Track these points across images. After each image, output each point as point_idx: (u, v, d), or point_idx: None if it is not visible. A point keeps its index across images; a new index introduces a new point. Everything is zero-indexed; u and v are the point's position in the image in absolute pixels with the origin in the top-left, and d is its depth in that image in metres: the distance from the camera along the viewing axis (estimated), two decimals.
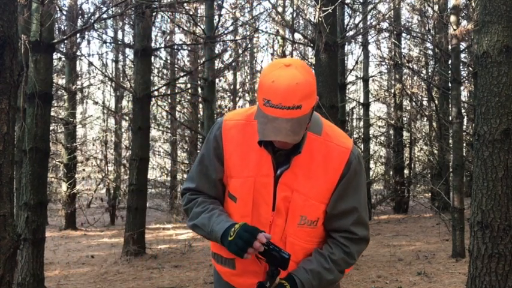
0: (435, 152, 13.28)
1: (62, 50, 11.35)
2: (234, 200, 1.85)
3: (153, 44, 9.95)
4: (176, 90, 13.49)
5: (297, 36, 12.64)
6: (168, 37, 12.53)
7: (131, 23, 10.49)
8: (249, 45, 13.85)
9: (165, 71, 14.26)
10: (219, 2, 11.08)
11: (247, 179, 1.80)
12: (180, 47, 12.56)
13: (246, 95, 15.83)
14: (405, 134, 14.95)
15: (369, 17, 11.19)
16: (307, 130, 1.77)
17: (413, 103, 13.67)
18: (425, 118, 14.52)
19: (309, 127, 1.76)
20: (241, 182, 1.82)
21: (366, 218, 1.87)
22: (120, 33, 14.32)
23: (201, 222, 1.83)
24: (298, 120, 1.63)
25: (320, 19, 6.25)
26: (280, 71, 1.64)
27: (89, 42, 15.51)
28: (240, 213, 1.82)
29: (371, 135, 15.56)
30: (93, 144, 14.78)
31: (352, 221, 1.82)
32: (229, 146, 1.84)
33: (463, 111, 10.98)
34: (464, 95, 14.78)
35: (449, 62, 8.65)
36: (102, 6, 7.93)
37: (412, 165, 15.73)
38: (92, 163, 14.39)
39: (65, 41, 9.26)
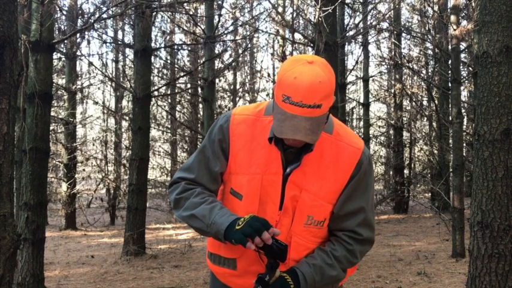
0: (435, 152, 13.28)
1: (62, 50, 11.35)
2: (238, 197, 1.78)
3: (153, 44, 9.95)
4: (176, 90, 13.49)
5: (297, 36, 12.64)
6: (168, 37, 12.52)
7: (131, 23, 10.49)
8: (249, 45, 13.84)
9: (165, 71, 14.25)
10: (219, 2, 11.08)
11: (255, 176, 1.75)
12: (180, 47, 12.57)
13: (246, 95, 15.83)
14: (405, 134, 14.94)
15: (369, 17, 11.18)
16: None
17: (413, 103, 13.67)
18: (425, 118, 14.53)
19: (325, 127, 1.71)
20: (248, 179, 1.76)
21: (372, 220, 1.83)
22: (120, 33, 14.31)
23: (201, 213, 1.73)
24: (317, 119, 1.58)
25: (320, 19, 6.25)
26: (303, 67, 1.58)
27: (89, 42, 15.48)
28: (245, 211, 1.75)
29: (371, 135, 15.57)
30: (93, 144, 14.76)
31: (358, 222, 1.79)
32: (237, 142, 1.78)
33: (463, 111, 10.98)
34: (464, 95, 14.79)
35: (449, 62, 8.65)
36: (102, 6, 7.94)
37: (412, 165, 15.73)
38: (92, 163, 14.37)
39: (65, 41, 9.27)
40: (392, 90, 14.30)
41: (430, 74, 12.82)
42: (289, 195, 1.74)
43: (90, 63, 12.10)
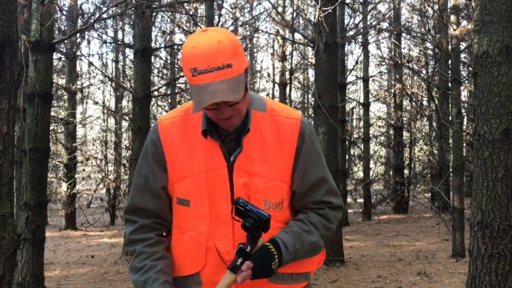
0: (435, 152, 13.28)
1: (62, 50, 11.35)
2: (186, 204, 1.66)
3: (153, 44, 9.95)
4: (176, 90, 13.49)
5: (297, 36, 12.64)
6: (168, 37, 12.52)
7: (131, 23, 10.49)
8: (249, 45, 13.84)
9: (165, 71, 14.25)
10: (219, 2, 11.07)
11: (199, 176, 1.64)
12: (180, 47, 12.55)
13: None
14: (405, 134, 14.95)
15: (369, 17, 11.19)
16: (251, 108, 1.66)
17: (413, 103, 13.67)
18: (425, 118, 14.53)
19: (247, 94, 1.64)
20: (192, 180, 1.64)
21: (335, 186, 1.79)
22: (120, 33, 14.31)
23: (136, 285, 1.66)
24: (234, 80, 1.51)
25: (320, 19, 6.25)
26: (198, 37, 1.55)
27: (89, 42, 15.51)
28: (196, 216, 1.64)
29: (371, 135, 15.57)
30: (93, 144, 14.78)
31: (324, 192, 1.73)
32: (171, 147, 1.69)
33: (463, 111, 10.97)
34: (464, 95, 14.79)
35: (449, 62, 8.65)
36: (102, 6, 7.95)
37: (412, 165, 15.74)
38: (92, 163, 14.38)
39: (65, 41, 9.27)
40: (392, 90, 14.30)
41: (430, 74, 12.82)
42: (239, 183, 1.64)
43: (90, 63, 12.10)
